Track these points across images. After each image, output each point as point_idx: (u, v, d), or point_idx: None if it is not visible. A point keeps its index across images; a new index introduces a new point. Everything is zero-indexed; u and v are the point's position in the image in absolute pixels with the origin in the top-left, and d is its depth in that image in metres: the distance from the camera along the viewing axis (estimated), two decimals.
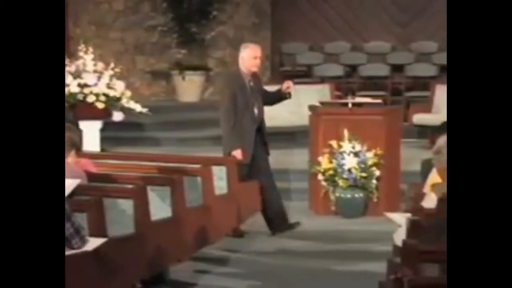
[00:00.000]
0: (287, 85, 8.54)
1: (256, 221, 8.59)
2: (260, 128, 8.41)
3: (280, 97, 8.62)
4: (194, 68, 14.73)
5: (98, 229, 5.57)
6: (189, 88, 14.67)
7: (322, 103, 10.03)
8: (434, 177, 5.71)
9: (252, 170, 8.34)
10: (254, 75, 8.46)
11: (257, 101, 8.38)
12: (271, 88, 8.89)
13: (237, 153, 8.22)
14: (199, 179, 7.46)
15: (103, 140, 9.83)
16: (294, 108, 11.13)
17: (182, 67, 14.66)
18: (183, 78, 14.60)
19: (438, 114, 12.26)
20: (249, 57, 8.38)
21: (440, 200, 4.78)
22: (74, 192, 5.34)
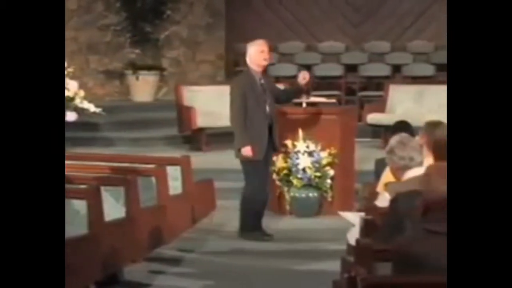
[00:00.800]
0: (303, 76, 8.46)
1: (211, 221, 8.58)
2: (271, 126, 8.33)
3: (295, 90, 8.63)
4: (148, 68, 14.68)
5: None
6: (143, 88, 14.61)
7: None
8: (387, 176, 5.74)
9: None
10: (264, 73, 8.47)
11: (268, 98, 8.32)
12: None
13: (247, 150, 8.14)
14: (153, 179, 7.45)
15: None
16: None
17: (136, 67, 14.60)
18: (137, 78, 14.54)
19: (391, 114, 12.35)
20: (256, 52, 8.35)
21: (393, 199, 4.81)
22: None
